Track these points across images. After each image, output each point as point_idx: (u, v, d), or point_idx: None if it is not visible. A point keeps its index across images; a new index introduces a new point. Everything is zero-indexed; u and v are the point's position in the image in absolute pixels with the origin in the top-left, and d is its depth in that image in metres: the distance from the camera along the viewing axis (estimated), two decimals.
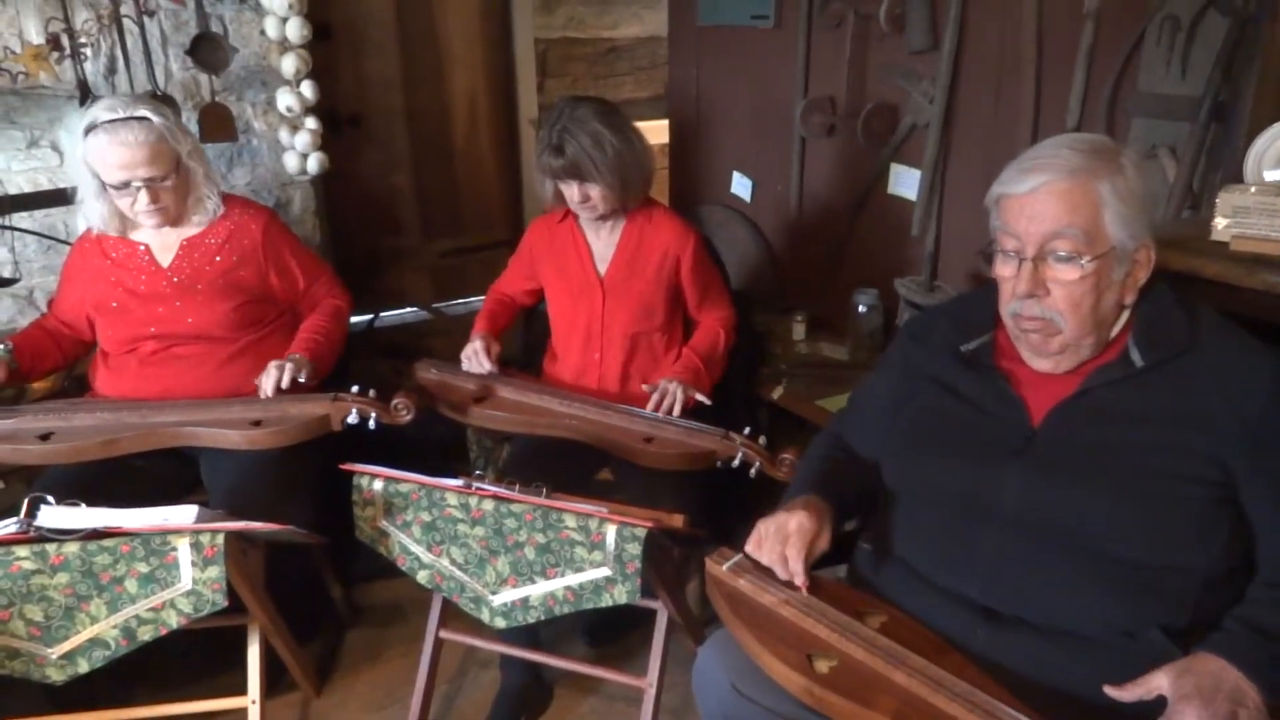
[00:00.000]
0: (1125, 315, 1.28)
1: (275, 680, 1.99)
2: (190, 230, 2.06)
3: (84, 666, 1.56)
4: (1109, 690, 1.12)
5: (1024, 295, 1.24)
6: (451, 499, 1.64)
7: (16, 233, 2.60)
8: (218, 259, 2.05)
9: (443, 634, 1.86)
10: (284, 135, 2.83)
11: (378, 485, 1.68)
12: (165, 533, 1.53)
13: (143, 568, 1.53)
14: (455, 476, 1.68)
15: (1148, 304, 1.27)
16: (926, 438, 1.38)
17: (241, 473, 1.87)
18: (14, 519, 1.56)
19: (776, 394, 2.43)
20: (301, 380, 1.94)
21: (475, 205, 3.98)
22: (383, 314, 3.51)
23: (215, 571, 1.53)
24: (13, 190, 2.62)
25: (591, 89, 4.07)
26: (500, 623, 1.67)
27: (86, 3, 2.57)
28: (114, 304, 2.02)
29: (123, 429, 1.87)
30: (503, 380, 2.12)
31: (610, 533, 1.53)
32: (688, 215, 2.63)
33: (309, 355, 2.01)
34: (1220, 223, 1.58)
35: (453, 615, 1.83)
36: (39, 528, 1.53)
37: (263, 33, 2.75)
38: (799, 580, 1.31)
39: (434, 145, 3.79)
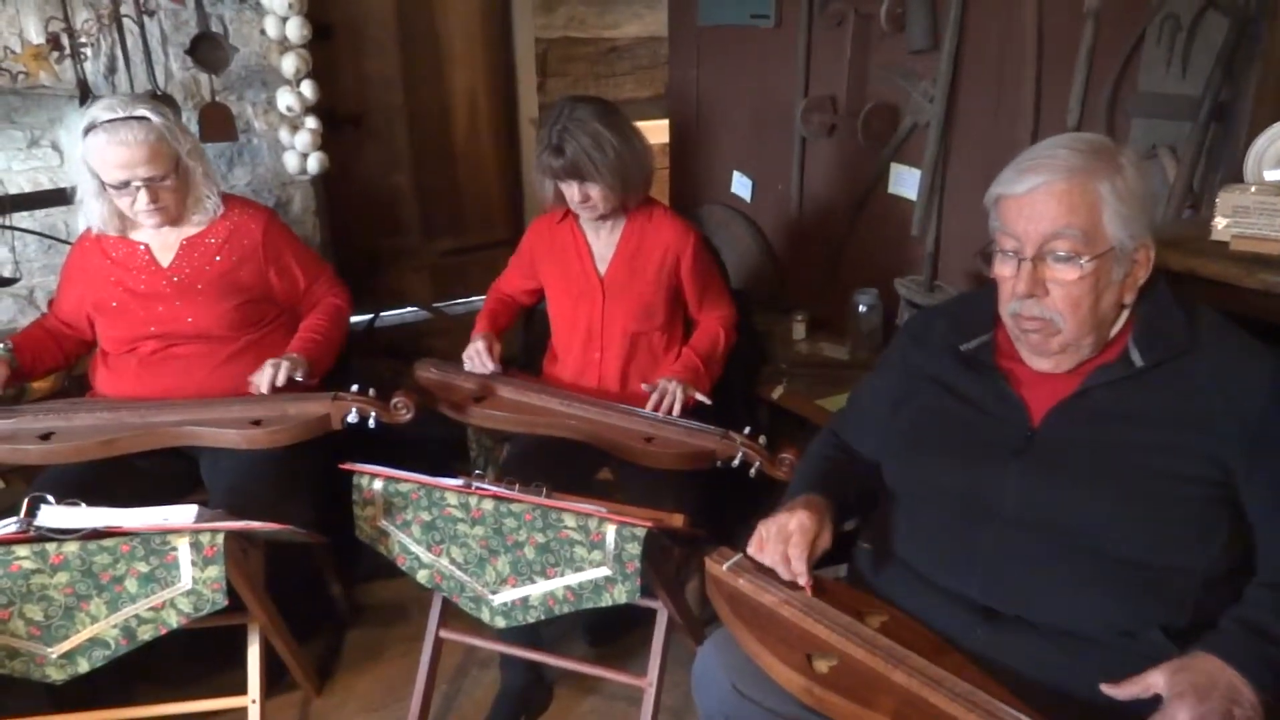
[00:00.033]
0: (1125, 315, 1.28)
1: (275, 680, 1.98)
2: (190, 230, 2.05)
3: (84, 666, 1.56)
4: (1105, 688, 1.12)
5: (1023, 295, 1.24)
6: (451, 498, 1.64)
7: (17, 232, 2.60)
8: (218, 259, 2.05)
9: (443, 634, 1.86)
10: (284, 135, 2.83)
11: (378, 485, 1.68)
12: (165, 532, 1.53)
13: (143, 567, 1.53)
14: (455, 476, 1.68)
15: (1147, 304, 1.27)
16: (926, 438, 1.38)
17: (241, 472, 1.87)
18: (14, 518, 1.56)
19: (776, 394, 2.43)
20: (298, 379, 1.94)
21: (475, 205, 3.98)
22: (383, 314, 3.50)
23: (215, 571, 1.53)
24: (13, 190, 2.62)
25: (592, 88, 4.07)
26: (500, 622, 1.67)
27: (86, 2, 2.57)
28: (114, 304, 2.02)
29: (123, 428, 1.87)
30: (503, 380, 2.12)
31: (610, 532, 1.53)
32: (688, 215, 2.62)
33: (306, 354, 2.01)
34: (1220, 222, 1.58)
35: (453, 615, 1.83)
36: (39, 527, 1.53)
37: (263, 32, 2.75)
38: (802, 580, 1.31)
39: (434, 145, 3.78)
